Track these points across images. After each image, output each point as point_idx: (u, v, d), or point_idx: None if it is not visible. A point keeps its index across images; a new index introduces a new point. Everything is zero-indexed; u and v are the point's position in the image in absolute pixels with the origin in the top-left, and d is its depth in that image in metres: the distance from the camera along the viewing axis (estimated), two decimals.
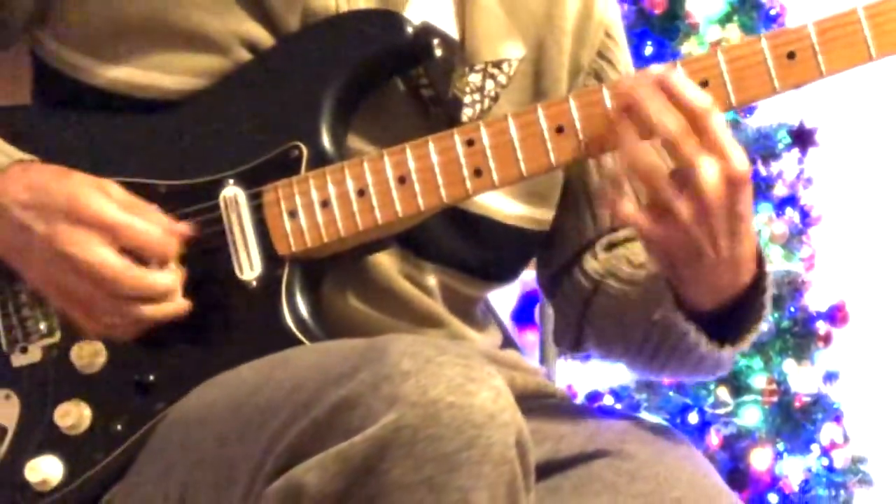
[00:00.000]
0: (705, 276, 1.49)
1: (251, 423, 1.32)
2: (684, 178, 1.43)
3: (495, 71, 1.57)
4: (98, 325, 1.47)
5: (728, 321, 1.53)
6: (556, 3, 1.63)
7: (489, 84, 1.57)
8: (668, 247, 1.48)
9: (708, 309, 1.52)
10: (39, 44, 1.60)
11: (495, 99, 1.57)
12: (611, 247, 1.64)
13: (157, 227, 1.46)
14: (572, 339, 1.71)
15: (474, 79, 1.56)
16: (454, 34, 1.56)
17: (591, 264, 1.66)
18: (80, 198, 1.46)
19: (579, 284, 1.67)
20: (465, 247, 1.58)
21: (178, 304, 1.48)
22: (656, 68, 1.47)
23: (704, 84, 1.47)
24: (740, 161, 1.44)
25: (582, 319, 1.68)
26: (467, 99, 1.55)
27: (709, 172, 1.42)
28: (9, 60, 1.63)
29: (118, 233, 1.45)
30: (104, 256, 1.45)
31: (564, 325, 1.71)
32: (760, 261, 1.52)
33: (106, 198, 1.46)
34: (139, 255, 1.45)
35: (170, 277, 1.46)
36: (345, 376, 1.25)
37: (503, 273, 1.64)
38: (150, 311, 1.47)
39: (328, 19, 1.53)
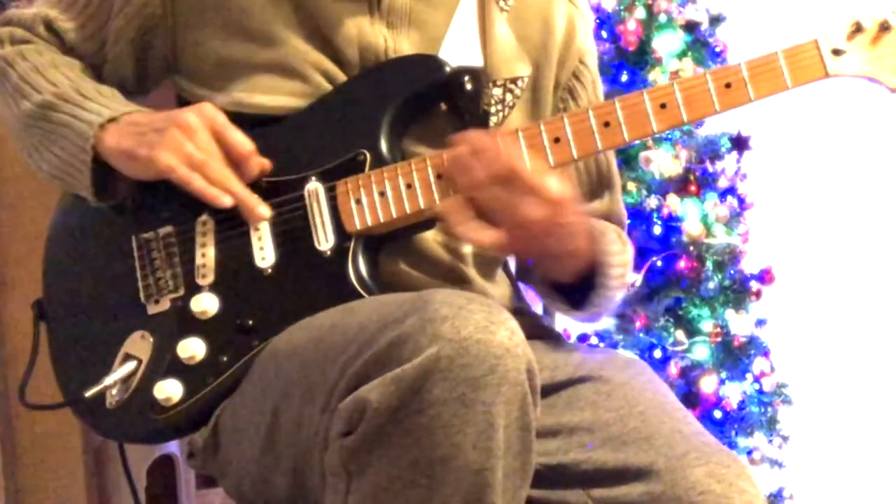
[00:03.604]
0: (555, 263, 1.50)
1: (327, 356, 1.32)
2: (512, 209, 1.42)
3: (512, 86, 1.56)
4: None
5: (588, 289, 1.53)
6: (549, 35, 1.62)
7: (508, 96, 1.56)
8: (517, 250, 1.51)
9: (569, 282, 1.53)
10: (177, 85, 1.61)
11: (512, 107, 1.56)
12: None
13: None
14: (524, 279, 1.72)
15: (497, 92, 1.55)
16: (479, 58, 1.55)
17: None
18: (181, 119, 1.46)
19: None
20: None
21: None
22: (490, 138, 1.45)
23: (663, 106, 1.46)
24: (555, 188, 1.41)
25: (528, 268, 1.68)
26: (492, 109, 1.54)
27: (529, 206, 1.40)
28: (149, 102, 1.62)
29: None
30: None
31: (520, 268, 1.71)
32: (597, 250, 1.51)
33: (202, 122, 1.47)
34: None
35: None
36: (397, 320, 1.25)
37: None
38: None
39: (385, 62, 1.53)
